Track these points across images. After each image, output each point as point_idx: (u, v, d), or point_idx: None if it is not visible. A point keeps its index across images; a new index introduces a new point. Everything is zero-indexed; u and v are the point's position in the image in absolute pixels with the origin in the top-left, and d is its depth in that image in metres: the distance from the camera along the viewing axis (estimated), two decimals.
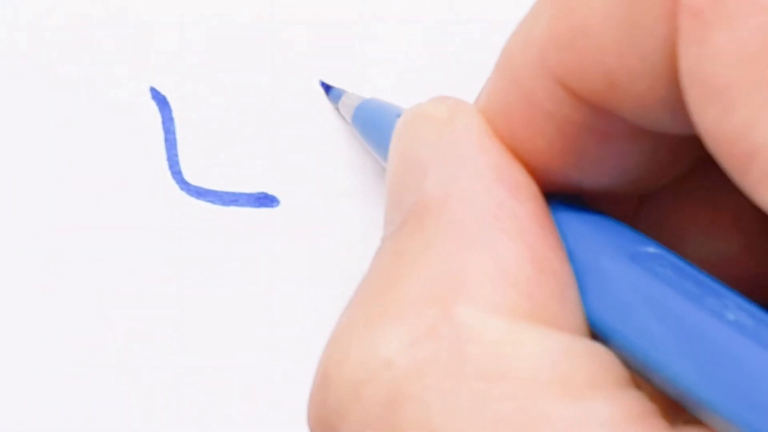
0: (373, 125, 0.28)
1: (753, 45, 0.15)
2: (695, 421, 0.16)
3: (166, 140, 0.32)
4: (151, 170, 0.31)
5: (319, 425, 0.18)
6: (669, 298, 0.16)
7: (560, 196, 0.19)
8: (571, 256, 0.18)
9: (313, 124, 0.32)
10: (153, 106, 0.32)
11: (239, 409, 0.31)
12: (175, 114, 0.32)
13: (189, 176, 0.32)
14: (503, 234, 0.18)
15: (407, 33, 0.32)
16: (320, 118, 0.32)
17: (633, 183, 0.19)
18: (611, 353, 0.17)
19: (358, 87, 0.32)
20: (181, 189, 0.31)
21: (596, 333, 0.17)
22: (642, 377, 0.17)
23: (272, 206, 0.32)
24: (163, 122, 0.32)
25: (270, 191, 0.32)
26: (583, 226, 0.19)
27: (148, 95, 0.32)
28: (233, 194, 0.32)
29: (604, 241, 0.18)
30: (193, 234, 0.31)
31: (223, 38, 0.32)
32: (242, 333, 0.31)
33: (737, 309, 0.16)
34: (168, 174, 0.32)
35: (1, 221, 0.31)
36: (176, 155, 0.32)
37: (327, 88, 0.31)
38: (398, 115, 0.21)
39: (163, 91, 0.32)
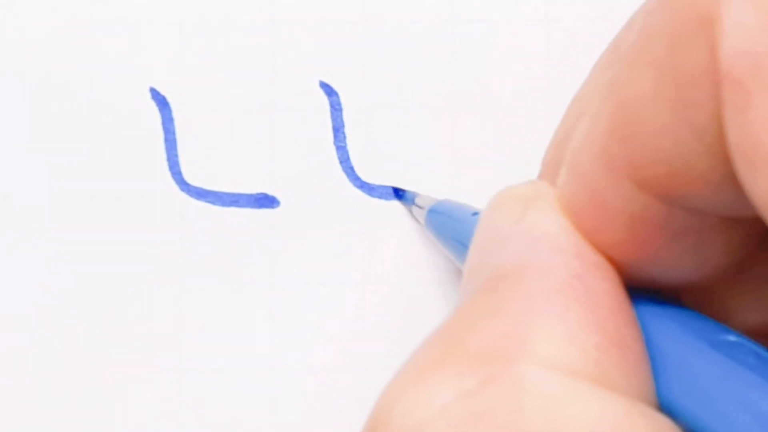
0: (447, 226, 0.29)
1: None
2: None
3: (166, 140, 0.32)
4: (151, 171, 0.31)
5: None
6: (753, 384, 0.16)
7: (635, 288, 0.19)
8: (649, 344, 0.18)
9: (313, 124, 0.32)
10: (153, 106, 0.32)
11: (239, 409, 0.31)
12: (175, 114, 0.32)
13: (189, 177, 0.32)
14: (576, 302, 0.18)
15: (407, 33, 0.32)
16: (320, 118, 0.32)
17: (707, 270, 0.19)
18: (675, 426, 0.17)
19: (358, 87, 0.32)
20: (181, 190, 0.31)
21: (667, 414, 0.17)
22: None
23: (272, 207, 0.31)
24: (163, 122, 0.32)
25: (270, 192, 0.32)
26: (660, 314, 0.18)
27: (148, 95, 0.32)
28: (233, 195, 0.31)
29: (684, 328, 0.18)
30: (193, 235, 0.31)
31: (223, 38, 0.32)
32: (242, 333, 0.31)
33: None
34: (168, 174, 0.31)
35: (0, 221, 0.31)
36: (176, 155, 0.32)
37: (400, 193, 0.31)
38: (474, 214, 0.21)
39: (163, 91, 0.32)
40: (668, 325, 0.18)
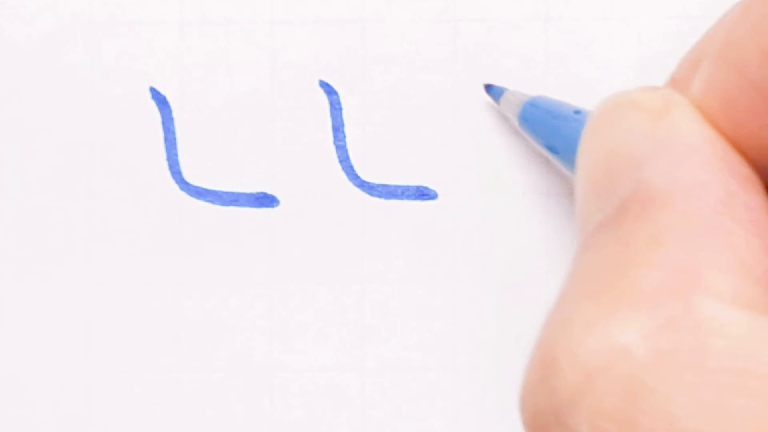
0: (546, 122, 0.28)
1: None
2: None
3: (166, 140, 0.32)
4: (150, 170, 0.31)
5: (541, 416, 0.17)
6: None
7: None
8: None
9: (313, 124, 0.32)
10: (153, 106, 0.32)
11: (239, 409, 0.31)
12: (175, 114, 0.32)
13: (189, 176, 0.32)
14: (737, 224, 0.17)
15: (407, 33, 0.32)
16: (320, 117, 0.32)
17: None
18: None
19: (358, 87, 0.32)
20: (181, 189, 0.31)
21: None
22: None
23: (272, 206, 0.31)
24: (163, 122, 0.32)
25: (270, 191, 0.32)
26: None
27: (148, 95, 0.32)
28: (233, 194, 0.31)
29: None
30: (193, 234, 0.31)
31: (223, 38, 0.32)
32: (242, 333, 0.31)
33: None
34: (168, 174, 0.31)
35: (0, 221, 0.31)
36: (176, 155, 0.32)
37: (488, 87, 0.31)
38: (576, 112, 0.20)
39: (163, 91, 0.32)
40: None
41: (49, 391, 0.31)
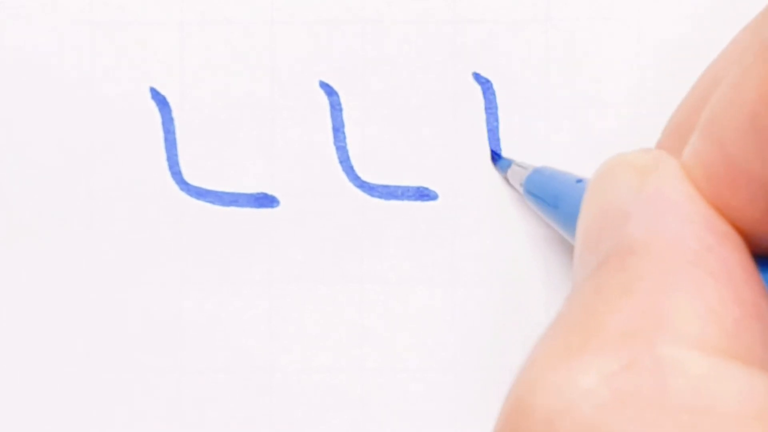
0: (546, 192, 0.28)
1: None
2: None
3: (166, 140, 0.32)
4: (150, 170, 0.31)
5: None
6: None
7: (764, 258, 0.19)
8: None
9: (313, 124, 0.32)
10: (153, 106, 0.32)
11: (239, 409, 0.31)
12: (175, 114, 0.32)
13: (189, 176, 0.32)
14: (709, 276, 0.17)
15: (407, 33, 0.32)
16: (320, 118, 0.32)
17: None
18: None
19: (358, 87, 0.32)
20: (181, 189, 0.31)
21: None
22: None
23: (272, 206, 0.31)
24: (163, 122, 0.32)
25: (270, 191, 0.32)
26: None
27: (148, 95, 0.32)
28: (233, 195, 0.31)
29: None
30: (193, 234, 0.31)
31: (223, 38, 0.32)
32: (242, 333, 0.31)
33: None
34: (168, 174, 0.31)
35: (0, 221, 0.31)
36: (176, 155, 0.32)
37: (497, 157, 0.31)
38: (578, 181, 0.21)
39: (163, 91, 0.32)
40: None
41: (50, 391, 0.31)
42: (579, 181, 0.25)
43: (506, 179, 0.31)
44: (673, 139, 0.21)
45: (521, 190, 0.30)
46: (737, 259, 0.18)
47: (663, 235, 0.18)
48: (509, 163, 0.30)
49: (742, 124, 0.18)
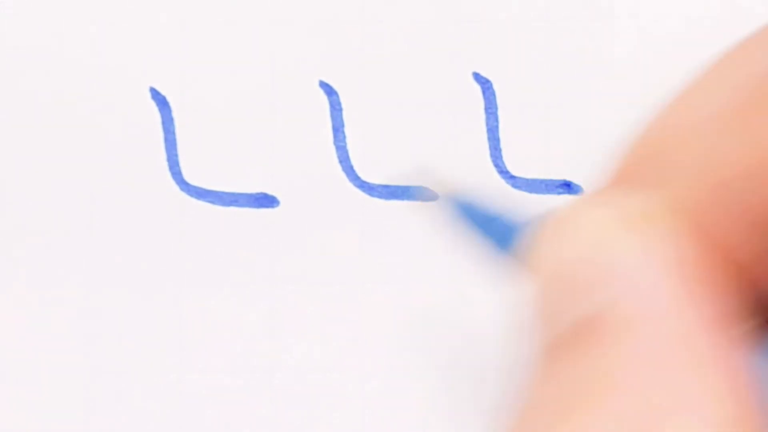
0: (483, 221, 0.28)
1: None
2: None
3: (166, 140, 0.32)
4: (150, 170, 0.31)
5: None
6: None
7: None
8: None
9: (313, 124, 0.32)
10: (153, 106, 0.32)
11: (239, 409, 0.31)
12: (175, 114, 0.32)
13: (189, 177, 0.32)
14: (698, 367, 0.16)
15: (407, 33, 0.32)
16: (320, 118, 0.32)
17: None
18: None
19: (358, 87, 0.32)
20: (181, 189, 0.31)
21: None
22: None
23: (272, 206, 0.31)
24: (163, 122, 0.32)
25: (270, 192, 0.32)
26: None
27: (148, 95, 0.32)
28: (233, 194, 0.31)
29: None
30: (193, 234, 0.31)
31: (223, 38, 0.32)
32: (242, 333, 0.31)
33: None
34: (168, 174, 0.31)
35: (0, 221, 0.31)
36: (176, 155, 0.32)
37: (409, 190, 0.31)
38: (494, 217, 0.19)
39: (163, 91, 0.32)
40: None
41: (49, 391, 0.31)
42: (496, 217, 0.24)
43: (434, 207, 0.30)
44: (634, 173, 0.18)
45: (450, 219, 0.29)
46: (726, 344, 0.16)
47: (642, 313, 0.16)
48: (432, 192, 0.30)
49: (750, 169, 0.16)
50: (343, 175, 0.32)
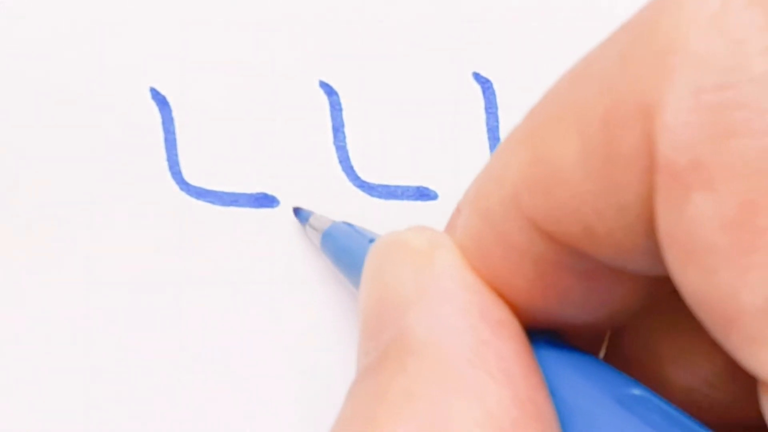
0: (342, 250, 0.28)
1: (734, 210, 0.15)
2: None
3: (166, 140, 0.32)
4: (150, 170, 0.31)
5: None
6: None
7: (542, 332, 0.19)
8: (555, 397, 0.18)
9: (313, 124, 0.32)
10: (153, 106, 0.32)
11: (239, 409, 0.31)
12: (175, 114, 0.32)
13: (189, 176, 0.32)
14: (487, 375, 0.18)
15: (407, 33, 0.32)
16: (320, 118, 0.32)
17: (612, 316, 0.19)
18: None
19: (358, 87, 0.32)
20: (181, 189, 0.31)
21: None
22: None
23: (272, 206, 0.32)
24: (163, 122, 0.32)
25: (270, 191, 0.32)
26: (566, 365, 0.19)
27: (148, 95, 0.32)
28: (233, 194, 0.32)
29: (589, 382, 0.18)
30: (193, 235, 0.31)
31: (223, 38, 0.32)
32: (242, 333, 0.31)
33: None
34: (168, 174, 0.31)
35: (0, 221, 0.31)
36: (176, 155, 0.32)
37: (296, 211, 0.31)
38: (371, 241, 0.21)
39: (163, 91, 0.32)
40: (573, 377, 0.18)
41: (49, 391, 0.31)
42: (371, 240, 0.25)
43: (305, 231, 0.31)
44: (463, 203, 0.21)
45: (318, 244, 0.30)
46: (514, 351, 0.18)
47: (439, 330, 0.18)
48: (308, 215, 0.31)
49: (505, 201, 0.18)
50: (343, 175, 0.32)
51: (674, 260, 0.16)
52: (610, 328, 0.21)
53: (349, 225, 0.29)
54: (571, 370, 0.18)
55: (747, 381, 0.18)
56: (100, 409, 0.31)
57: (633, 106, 0.16)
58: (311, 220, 0.30)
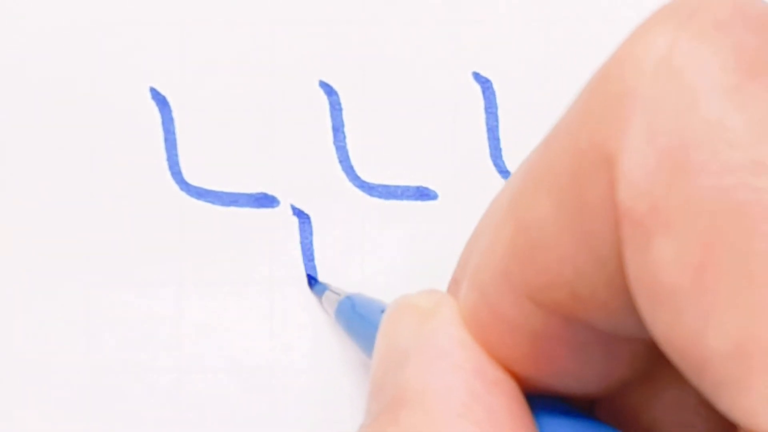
0: (356, 320, 0.29)
1: (693, 252, 0.15)
2: None
3: (166, 140, 0.32)
4: (151, 170, 0.31)
5: None
6: None
7: (541, 398, 0.19)
8: None
9: (313, 124, 0.32)
10: (153, 106, 0.32)
11: (239, 409, 0.31)
12: (175, 114, 0.32)
13: (189, 177, 0.32)
14: (476, 427, 0.18)
15: (407, 33, 0.32)
16: (320, 118, 0.32)
17: (610, 385, 0.19)
18: None
19: (358, 87, 0.32)
20: (181, 189, 0.31)
21: None
22: None
23: (272, 206, 0.32)
24: (163, 122, 0.32)
25: (270, 192, 0.32)
26: (563, 424, 0.19)
27: (148, 95, 0.32)
28: (233, 194, 0.32)
29: None
30: (193, 235, 0.31)
31: (223, 38, 0.32)
32: (242, 333, 0.31)
33: None
34: (168, 174, 0.31)
35: (0, 221, 0.31)
36: (176, 155, 0.32)
37: (313, 281, 0.31)
38: (383, 311, 0.21)
39: (163, 91, 0.32)
40: None
41: (50, 391, 0.31)
42: (383, 311, 0.26)
43: (321, 304, 0.31)
44: (461, 275, 0.21)
45: (333, 316, 0.30)
46: (505, 406, 0.18)
47: (433, 384, 0.18)
48: (324, 288, 0.31)
49: (497, 276, 0.19)
50: (343, 175, 0.32)
51: (643, 305, 0.16)
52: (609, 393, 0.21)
53: (364, 297, 0.29)
54: (567, 430, 0.19)
55: None
56: (100, 408, 0.31)
57: (596, 156, 0.17)
58: (327, 292, 0.31)
